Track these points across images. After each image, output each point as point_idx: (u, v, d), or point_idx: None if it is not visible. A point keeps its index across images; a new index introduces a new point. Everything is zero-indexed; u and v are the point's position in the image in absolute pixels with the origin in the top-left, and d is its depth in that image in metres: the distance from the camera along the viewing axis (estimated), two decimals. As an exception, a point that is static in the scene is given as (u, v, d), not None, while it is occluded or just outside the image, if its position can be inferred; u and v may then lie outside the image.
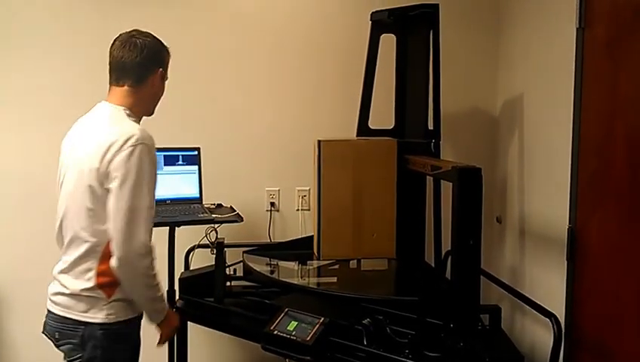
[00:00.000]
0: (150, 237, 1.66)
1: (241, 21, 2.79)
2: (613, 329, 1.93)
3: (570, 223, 2.14)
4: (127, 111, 1.72)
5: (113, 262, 1.62)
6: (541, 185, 2.42)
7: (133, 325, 1.74)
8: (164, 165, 2.51)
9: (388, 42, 2.56)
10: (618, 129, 1.90)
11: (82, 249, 1.66)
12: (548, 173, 2.36)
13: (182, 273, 2.40)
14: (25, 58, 2.68)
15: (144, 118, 1.82)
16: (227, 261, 2.27)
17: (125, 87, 1.73)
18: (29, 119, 2.69)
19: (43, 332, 1.76)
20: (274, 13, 2.80)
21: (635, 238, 1.81)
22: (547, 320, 1.82)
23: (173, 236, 2.45)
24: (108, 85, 1.78)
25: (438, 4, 2.32)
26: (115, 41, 1.76)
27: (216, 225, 2.32)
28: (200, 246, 2.44)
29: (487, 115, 2.89)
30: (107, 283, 1.66)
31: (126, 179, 1.60)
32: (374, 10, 2.52)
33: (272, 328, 1.87)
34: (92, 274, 1.66)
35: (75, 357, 1.67)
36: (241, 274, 2.31)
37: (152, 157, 1.66)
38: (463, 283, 1.75)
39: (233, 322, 2.12)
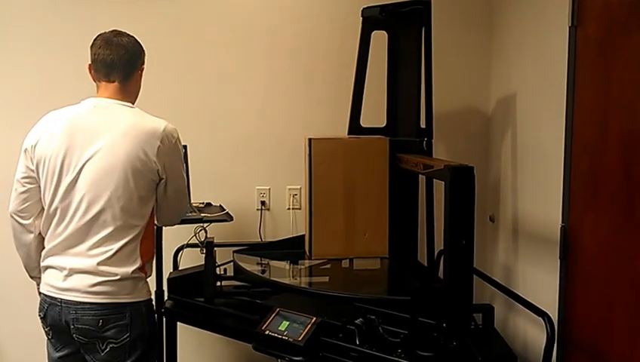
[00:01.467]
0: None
1: (230, 19, 2.77)
2: (605, 328, 1.93)
3: (563, 222, 2.14)
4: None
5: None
6: (534, 184, 2.42)
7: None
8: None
9: (379, 39, 2.54)
10: (611, 128, 1.90)
11: (129, 236, 1.78)
12: (541, 172, 2.35)
13: (170, 273, 2.38)
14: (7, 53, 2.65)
15: None
16: (217, 260, 2.25)
17: (116, 83, 1.84)
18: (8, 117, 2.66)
19: (72, 327, 1.76)
20: (264, 11, 2.78)
21: (628, 237, 1.81)
22: (540, 319, 1.81)
23: (161, 235, 2.42)
24: (88, 82, 1.86)
25: (430, 1, 2.31)
26: (96, 40, 1.86)
27: (205, 225, 2.30)
28: (189, 245, 2.42)
29: (480, 113, 2.89)
30: (145, 263, 1.84)
31: (178, 165, 1.88)
32: (365, 7, 2.50)
33: (263, 328, 1.86)
34: (137, 255, 1.80)
35: (123, 338, 1.77)
36: (232, 274, 2.29)
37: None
38: (456, 282, 1.74)
39: (224, 322, 2.11)
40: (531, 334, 2.38)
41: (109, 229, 1.75)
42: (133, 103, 1.89)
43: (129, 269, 1.77)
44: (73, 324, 1.75)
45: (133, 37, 1.89)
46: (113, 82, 1.84)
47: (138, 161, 1.75)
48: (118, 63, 1.83)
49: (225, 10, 2.76)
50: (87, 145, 1.75)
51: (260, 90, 2.80)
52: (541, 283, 2.31)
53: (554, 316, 2.10)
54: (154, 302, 2.38)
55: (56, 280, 1.78)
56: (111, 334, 1.76)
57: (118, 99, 1.84)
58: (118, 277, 1.76)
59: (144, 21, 2.69)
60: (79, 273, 1.75)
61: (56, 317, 1.78)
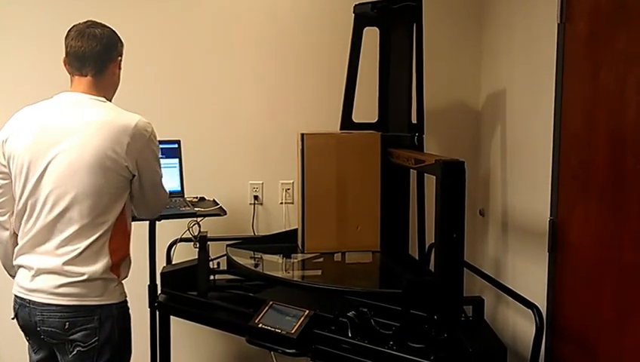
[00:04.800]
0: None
1: (223, 14, 2.76)
2: (593, 319, 1.96)
3: (551, 216, 2.16)
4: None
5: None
6: (523, 178, 2.44)
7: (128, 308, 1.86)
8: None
9: (371, 36, 2.56)
10: (599, 122, 1.93)
11: (98, 232, 1.71)
12: (530, 166, 2.38)
13: (164, 267, 2.38)
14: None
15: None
16: (210, 254, 2.26)
17: (89, 77, 1.77)
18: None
19: (39, 329, 1.71)
20: (257, 6, 2.78)
21: (616, 230, 1.84)
22: (529, 311, 1.84)
23: (154, 230, 2.43)
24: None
25: (421, -3, 2.32)
26: (69, 31, 1.78)
27: (198, 219, 2.30)
28: (182, 239, 2.42)
29: (470, 109, 2.91)
30: (117, 263, 1.75)
31: (153, 159, 1.81)
32: (357, 3, 2.51)
33: (256, 321, 1.87)
34: (105, 253, 1.73)
35: (91, 342, 1.71)
36: (225, 268, 2.30)
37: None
38: (447, 275, 1.76)
39: (217, 316, 2.11)
40: (521, 325, 2.42)
41: (75, 227, 1.69)
42: (109, 97, 1.83)
43: (97, 268, 1.70)
44: (39, 326, 1.71)
45: (108, 28, 1.81)
46: (86, 76, 1.76)
47: (107, 158, 1.68)
48: (90, 56, 1.75)
49: (217, 7, 2.76)
50: (55, 141, 1.69)
51: (252, 86, 2.80)
52: (530, 275, 2.34)
53: (543, 308, 2.12)
54: (148, 297, 2.42)
55: (24, 281, 1.74)
56: (78, 337, 1.70)
57: (92, 94, 1.77)
58: (85, 277, 1.69)
59: (137, 18, 2.69)
60: (46, 273, 1.70)
61: (26, 318, 1.73)
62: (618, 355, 1.84)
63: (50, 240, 1.71)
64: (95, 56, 1.76)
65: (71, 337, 1.70)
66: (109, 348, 1.73)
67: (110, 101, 1.84)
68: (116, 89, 1.88)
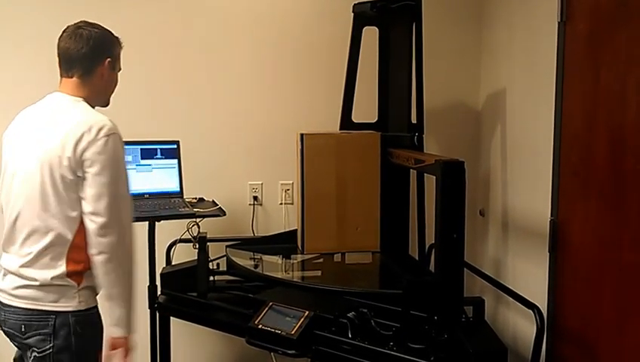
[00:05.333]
0: (130, 226, 1.69)
1: (222, 14, 2.76)
2: (593, 320, 1.96)
3: (552, 216, 2.16)
4: (85, 102, 1.74)
5: (95, 251, 1.63)
6: (523, 178, 2.44)
7: (99, 314, 1.75)
8: (141, 158, 2.47)
9: (371, 35, 2.55)
10: (599, 122, 1.92)
11: (48, 239, 1.65)
12: (530, 166, 2.38)
13: (163, 268, 2.38)
14: None
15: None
16: (210, 255, 2.26)
17: (75, 79, 1.74)
18: None
19: (4, 329, 1.72)
20: (256, 6, 2.78)
21: (616, 230, 1.84)
22: (530, 311, 1.84)
23: (153, 231, 2.42)
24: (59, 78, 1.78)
25: (421, -3, 2.32)
26: (62, 32, 1.76)
27: (198, 220, 2.30)
28: (182, 240, 2.42)
29: (470, 108, 2.91)
30: (76, 272, 1.67)
31: (105, 167, 1.63)
32: (357, 3, 2.51)
33: (256, 322, 1.86)
34: (62, 262, 1.66)
35: (45, 348, 1.65)
36: (225, 269, 2.30)
37: (123, 148, 1.70)
38: (447, 275, 1.76)
39: (217, 317, 2.11)
40: (521, 326, 2.41)
41: (27, 230, 1.66)
42: (100, 99, 1.80)
43: (48, 275, 1.64)
44: (2, 326, 1.71)
45: (99, 29, 1.76)
46: (72, 77, 1.73)
47: (56, 159, 1.62)
48: (77, 57, 1.71)
49: (215, 7, 2.75)
50: (25, 142, 1.70)
51: (252, 86, 2.80)
52: (531, 276, 2.33)
53: (543, 308, 2.12)
54: (148, 298, 2.41)
55: None
56: (32, 342, 1.66)
57: (77, 95, 1.73)
58: (37, 282, 1.65)
59: (136, 19, 2.69)
60: (9, 273, 1.70)
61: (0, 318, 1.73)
62: (619, 355, 1.84)
63: (14, 243, 1.70)
64: (81, 57, 1.72)
65: (26, 341, 1.67)
66: (68, 358, 1.66)
67: (106, 103, 1.83)
68: (110, 90, 1.83)
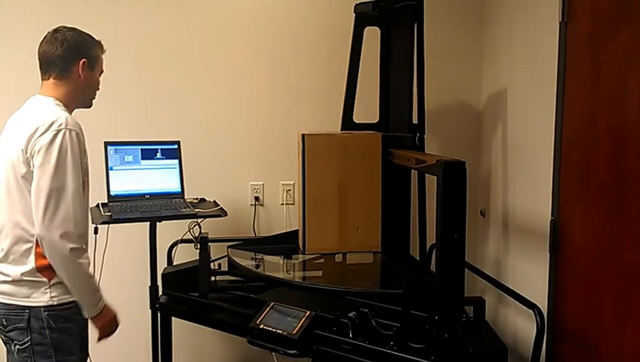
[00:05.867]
0: (77, 223, 1.68)
1: (223, 14, 2.77)
2: (594, 320, 1.96)
3: (552, 216, 2.16)
4: (57, 102, 1.78)
5: (40, 243, 1.67)
6: (524, 178, 2.44)
7: (74, 309, 1.76)
8: (142, 159, 2.48)
9: (372, 35, 2.56)
10: (600, 122, 1.92)
11: (16, 234, 1.70)
12: (531, 166, 2.38)
13: (165, 268, 2.38)
14: None
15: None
16: (211, 256, 2.26)
17: (51, 80, 1.79)
18: None
19: None
20: (257, 7, 2.78)
21: (617, 231, 1.84)
22: (530, 311, 1.84)
23: (155, 231, 2.43)
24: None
25: (422, -3, 2.32)
26: (42, 39, 1.82)
27: (199, 220, 2.31)
28: (183, 241, 2.43)
29: (471, 109, 2.91)
30: (46, 266, 1.70)
31: (48, 160, 1.65)
32: (358, 3, 2.51)
33: (257, 322, 1.87)
34: (31, 257, 1.70)
35: (24, 341, 1.71)
36: (226, 269, 2.31)
37: (77, 143, 1.70)
38: (448, 275, 1.76)
39: (218, 317, 2.11)
40: (521, 326, 2.42)
41: (0, 225, 1.74)
42: (81, 101, 1.85)
43: (19, 271, 1.70)
44: None
45: (75, 31, 1.82)
46: (48, 79, 1.79)
47: (15, 154, 1.69)
48: (52, 59, 1.78)
49: (216, 8, 2.76)
50: (3, 142, 1.77)
51: (253, 86, 2.80)
52: (531, 275, 2.34)
53: (544, 308, 2.12)
54: (149, 298, 2.42)
55: None
56: (13, 335, 1.72)
57: (53, 97, 1.78)
58: (10, 278, 1.71)
59: (138, 19, 2.69)
60: None
61: None
62: (619, 355, 1.84)
63: None
64: (56, 59, 1.77)
65: (8, 334, 1.73)
66: (46, 350, 1.70)
67: (88, 103, 1.88)
68: (89, 91, 1.87)
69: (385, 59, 2.57)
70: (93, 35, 1.88)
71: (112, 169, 2.40)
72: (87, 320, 1.80)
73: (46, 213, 1.64)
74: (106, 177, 2.39)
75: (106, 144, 2.40)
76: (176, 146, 2.54)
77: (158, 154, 2.50)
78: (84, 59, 1.80)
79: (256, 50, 2.79)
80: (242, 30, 2.78)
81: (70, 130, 1.68)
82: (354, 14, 2.51)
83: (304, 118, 2.79)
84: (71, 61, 1.79)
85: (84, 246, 1.72)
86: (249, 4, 2.78)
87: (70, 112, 1.80)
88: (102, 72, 1.90)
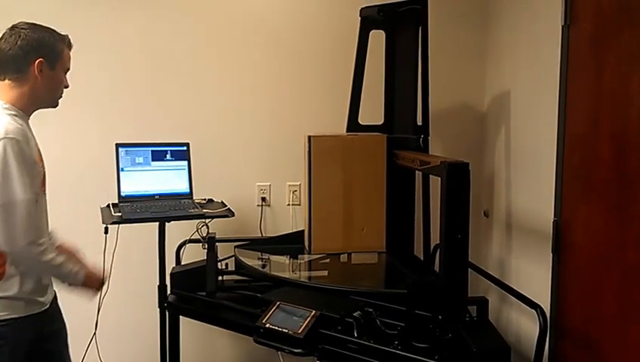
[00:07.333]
0: (37, 229, 1.65)
1: (230, 18, 2.79)
2: (596, 320, 1.97)
3: (555, 216, 2.18)
4: (6, 105, 1.68)
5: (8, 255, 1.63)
6: (527, 179, 2.46)
7: (10, 327, 1.67)
8: (152, 160, 2.51)
9: (377, 39, 2.58)
10: (603, 124, 1.94)
11: None
12: (534, 167, 2.39)
13: (173, 268, 2.41)
14: None
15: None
16: (219, 255, 2.29)
17: (7, 81, 1.69)
18: None
19: None
20: (263, 10, 2.81)
21: (619, 231, 1.85)
22: (533, 311, 1.85)
23: (164, 231, 2.45)
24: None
25: (426, 1, 2.33)
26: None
27: (207, 220, 2.33)
28: (191, 241, 2.45)
29: (475, 110, 2.93)
30: None
31: None
32: (364, 7, 2.54)
33: (264, 321, 1.88)
34: None
35: None
36: (233, 269, 2.33)
37: (19, 151, 1.60)
38: (451, 275, 1.78)
39: (225, 316, 2.13)
40: (524, 325, 2.43)
41: None
42: (45, 101, 1.74)
43: None
44: None
45: (34, 27, 1.69)
46: (3, 80, 1.69)
47: None
48: (5, 59, 1.66)
49: (224, 9, 2.79)
50: None
51: (260, 89, 2.83)
52: (534, 276, 2.35)
53: (546, 308, 2.14)
54: (158, 297, 2.45)
55: None
56: None
57: (8, 99, 1.67)
58: None
59: (146, 22, 2.73)
60: None
61: None
62: (622, 355, 1.85)
63: None
64: (9, 59, 1.66)
65: None
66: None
67: (53, 103, 1.77)
68: (53, 91, 1.75)
69: (390, 61, 2.59)
70: (57, 29, 1.73)
71: (123, 170, 2.43)
72: (23, 340, 1.72)
73: (4, 231, 1.58)
74: (117, 178, 2.41)
75: (118, 146, 2.43)
76: (185, 148, 2.56)
77: (168, 156, 2.53)
78: (40, 59, 1.68)
79: (264, 54, 2.81)
80: (250, 33, 2.80)
81: (9, 139, 1.58)
82: (359, 18, 2.54)
83: (310, 120, 2.81)
84: (25, 61, 1.66)
85: (48, 243, 1.69)
86: (259, 9, 2.80)
87: (29, 115, 1.73)
88: (67, 69, 1.77)
